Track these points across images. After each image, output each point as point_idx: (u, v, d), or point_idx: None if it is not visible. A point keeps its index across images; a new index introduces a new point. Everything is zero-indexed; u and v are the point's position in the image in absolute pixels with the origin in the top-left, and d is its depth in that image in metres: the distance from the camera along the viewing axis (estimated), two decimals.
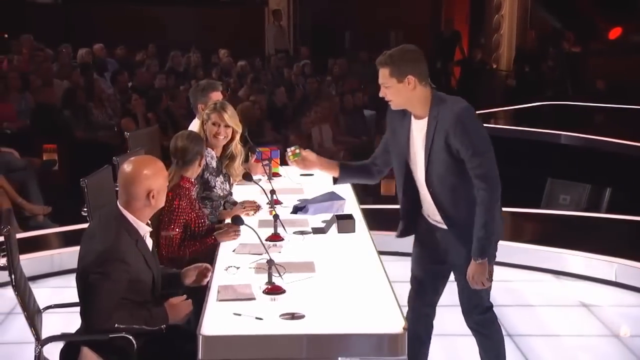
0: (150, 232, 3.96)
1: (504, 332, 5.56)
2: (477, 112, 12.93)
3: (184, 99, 10.54)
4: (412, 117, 4.12)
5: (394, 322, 3.45)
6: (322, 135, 10.10)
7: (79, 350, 3.69)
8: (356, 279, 4.01)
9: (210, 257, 4.39)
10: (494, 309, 6.01)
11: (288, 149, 4.56)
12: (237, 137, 5.45)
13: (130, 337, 3.58)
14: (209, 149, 5.22)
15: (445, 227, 4.18)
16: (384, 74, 4.00)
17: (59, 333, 3.85)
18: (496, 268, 6.83)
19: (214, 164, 5.25)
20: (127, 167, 3.76)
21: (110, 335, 3.57)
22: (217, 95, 5.94)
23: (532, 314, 6.09)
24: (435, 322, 4.70)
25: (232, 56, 14.47)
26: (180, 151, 4.69)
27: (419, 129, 4.09)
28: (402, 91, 3.99)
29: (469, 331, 4.48)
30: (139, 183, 3.71)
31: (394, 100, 4.05)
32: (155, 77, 12.25)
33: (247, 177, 5.11)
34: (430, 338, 4.59)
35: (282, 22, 16.60)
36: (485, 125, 11.59)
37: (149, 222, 3.91)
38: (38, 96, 10.48)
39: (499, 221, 4.15)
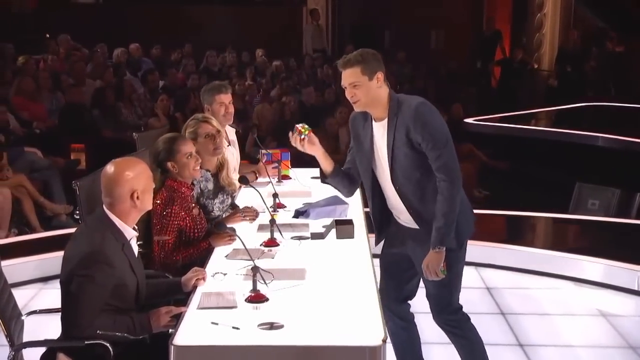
0: (137, 237, 3.90)
1: (515, 342, 5.49)
2: (517, 112, 12.65)
3: None
4: (373, 121, 4.17)
5: (374, 334, 3.34)
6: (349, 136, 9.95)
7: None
8: (344, 288, 3.90)
9: (204, 262, 4.31)
10: (510, 316, 5.92)
11: (298, 125, 4.38)
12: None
13: (107, 345, 3.50)
14: (202, 170, 4.95)
15: (415, 227, 4.21)
16: (354, 73, 4.08)
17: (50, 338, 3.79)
18: (514, 275, 6.78)
19: (210, 186, 5.04)
20: (109, 168, 3.71)
21: (87, 342, 3.50)
22: (223, 98, 5.80)
23: (547, 323, 5.89)
24: (431, 330, 4.66)
25: (269, 56, 14.43)
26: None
27: (380, 130, 4.14)
28: (372, 88, 4.07)
29: None
30: (122, 184, 3.66)
31: (361, 100, 4.10)
32: (189, 77, 12.27)
33: (243, 180, 5.00)
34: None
35: (321, 22, 16.50)
36: (516, 126, 11.46)
37: (135, 226, 3.84)
38: (69, 96, 10.52)
39: (468, 217, 4.24)
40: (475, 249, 7.17)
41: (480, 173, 10.28)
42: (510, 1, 18.11)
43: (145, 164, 3.83)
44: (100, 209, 3.75)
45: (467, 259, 7.10)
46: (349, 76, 4.09)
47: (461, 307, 4.35)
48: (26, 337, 3.94)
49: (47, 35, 14.41)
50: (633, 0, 16.34)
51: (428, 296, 4.35)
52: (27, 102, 10.18)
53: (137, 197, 3.68)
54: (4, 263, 6.70)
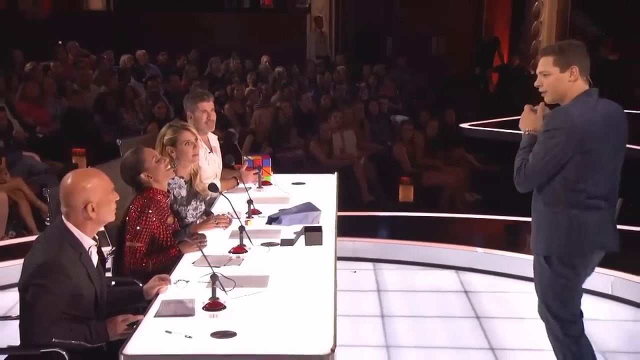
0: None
1: (487, 345, 5.58)
2: (513, 117, 12.66)
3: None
4: None
5: (324, 342, 3.37)
6: (344, 141, 10.09)
7: None
8: (303, 295, 3.96)
9: (172, 268, 4.36)
10: (485, 320, 5.96)
11: None
12: None
13: (63, 353, 3.53)
14: (176, 177, 5.09)
15: None
16: (546, 62, 4.06)
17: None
18: (495, 279, 6.83)
19: (183, 192, 5.15)
20: (67, 178, 3.75)
21: (42, 350, 3.54)
22: (205, 105, 5.90)
23: (521, 327, 5.92)
24: (419, 334, 4.83)
25: (274, 62, 14.55)
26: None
27: None
28: (562, 81, 4.03)
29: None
30: (76, 195, 3.69)
31: (548, 92, 4.09)
32: (192, 83, 12.45)
33: (213, 187, 5.10)
34: None
35: (324, 29, 16.67)
36: (507, 131, 11.42)
37: (96, 236, 3.88)
38: (71, 101, 10.69)
39: (571, 236, 4.17)
40: (457, 253, 7.29)
41: (472, 177, 10.37)
42: (510, 9, 18.16)
43: (105, 176, 3.84)
44: (59, 218, 3.78)
45: (448, 262, 7.21)
46: (541, 64, 4.10)
47: (560, 320, 4.37)
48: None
49: (60, 42, 14.61)
50: (626, 7, 16.35)
51: None
52: (31, 107, 10.38)
53: (92, 209, 3.70)
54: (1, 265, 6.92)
